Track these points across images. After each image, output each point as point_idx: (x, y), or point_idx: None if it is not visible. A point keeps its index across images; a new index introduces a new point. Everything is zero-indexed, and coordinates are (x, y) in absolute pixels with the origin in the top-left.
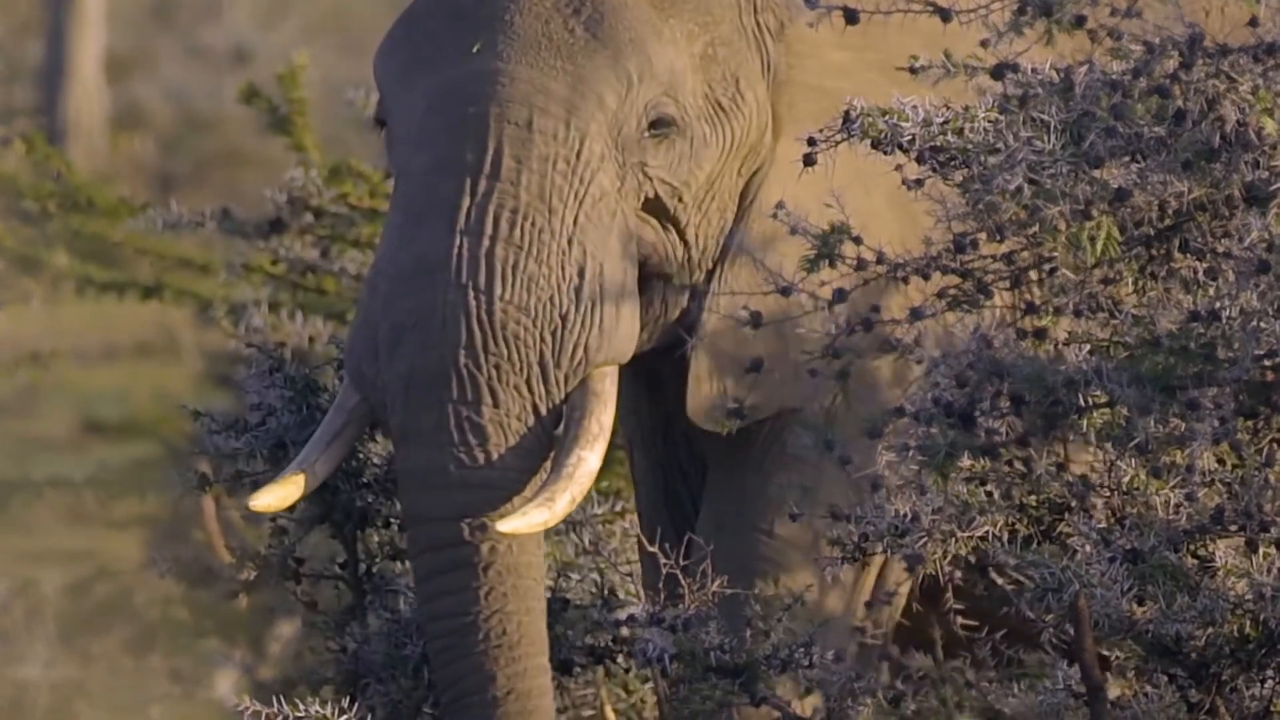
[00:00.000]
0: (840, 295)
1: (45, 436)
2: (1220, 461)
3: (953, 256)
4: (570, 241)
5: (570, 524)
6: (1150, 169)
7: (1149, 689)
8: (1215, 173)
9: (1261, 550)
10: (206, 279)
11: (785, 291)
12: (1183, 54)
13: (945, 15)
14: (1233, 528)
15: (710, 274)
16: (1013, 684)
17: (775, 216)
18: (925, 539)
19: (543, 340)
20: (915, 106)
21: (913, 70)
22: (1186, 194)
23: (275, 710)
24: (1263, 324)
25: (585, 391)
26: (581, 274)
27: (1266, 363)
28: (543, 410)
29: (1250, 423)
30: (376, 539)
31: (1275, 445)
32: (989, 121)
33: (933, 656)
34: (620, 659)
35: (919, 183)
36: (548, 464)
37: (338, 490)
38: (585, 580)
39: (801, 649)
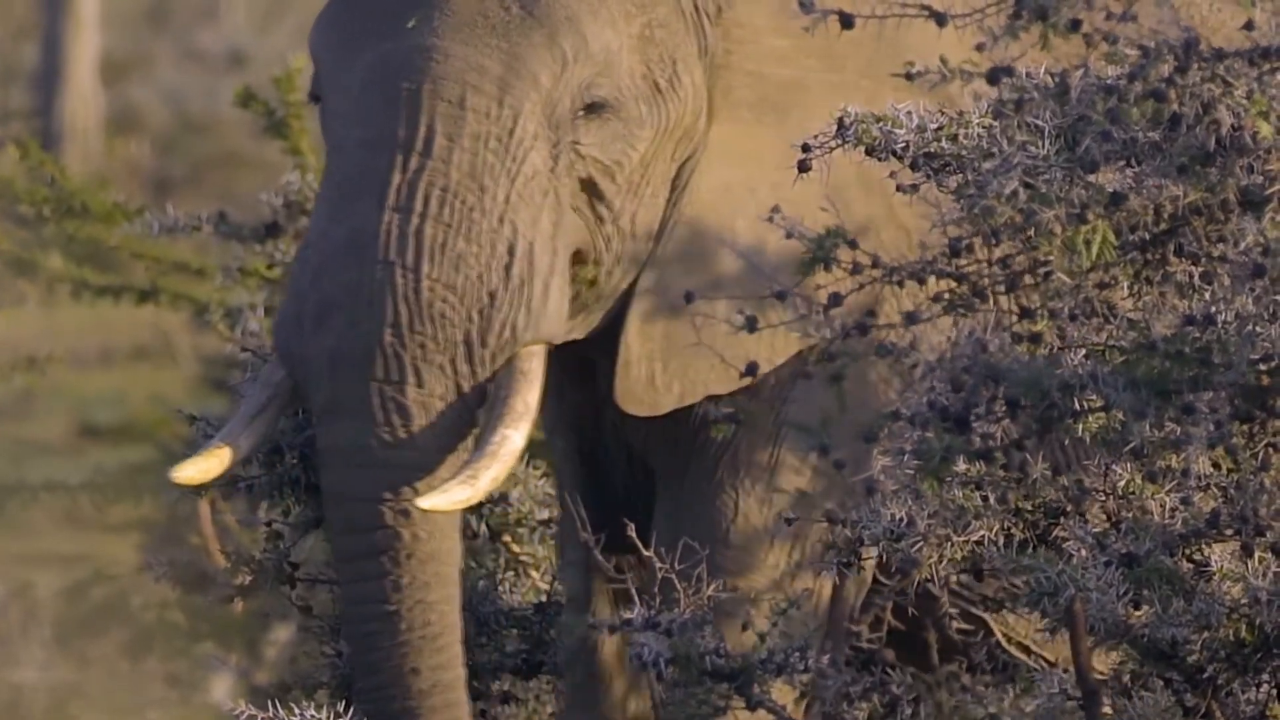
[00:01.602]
0: (836, 300)
1: (41, 440)
2: (1216, 466)
3: (948, 261)
4: (501, 220)
5: None
6: (1145, 173)
7: (1144, 693)
8: (1210, 177)
9: (1257, 554)
10: (202, 283)
11: (781, 296)
12: (1178, 58)
13: (940, 19)
14: (1228, 532)
15: (644, 259)
16: (1008, 689)
17: (771, 220)
18: (920, 543)
19: (469, 319)
20: (910, 112)
21: (908, 76)
22: (1182, 198)
23: (270, 714)
24: (1258, 328)
25: (512, 370)
26: (511, 252)
27: (1262, 367)
28: (467, 389)
29: (1246, 427)
30: None
31: (1270, 449)
32: (984, 127)
33: (928, 661)
34: None
35: (914, 188)
36: (471, 443)
37: None
38: None
39: (797, 653)
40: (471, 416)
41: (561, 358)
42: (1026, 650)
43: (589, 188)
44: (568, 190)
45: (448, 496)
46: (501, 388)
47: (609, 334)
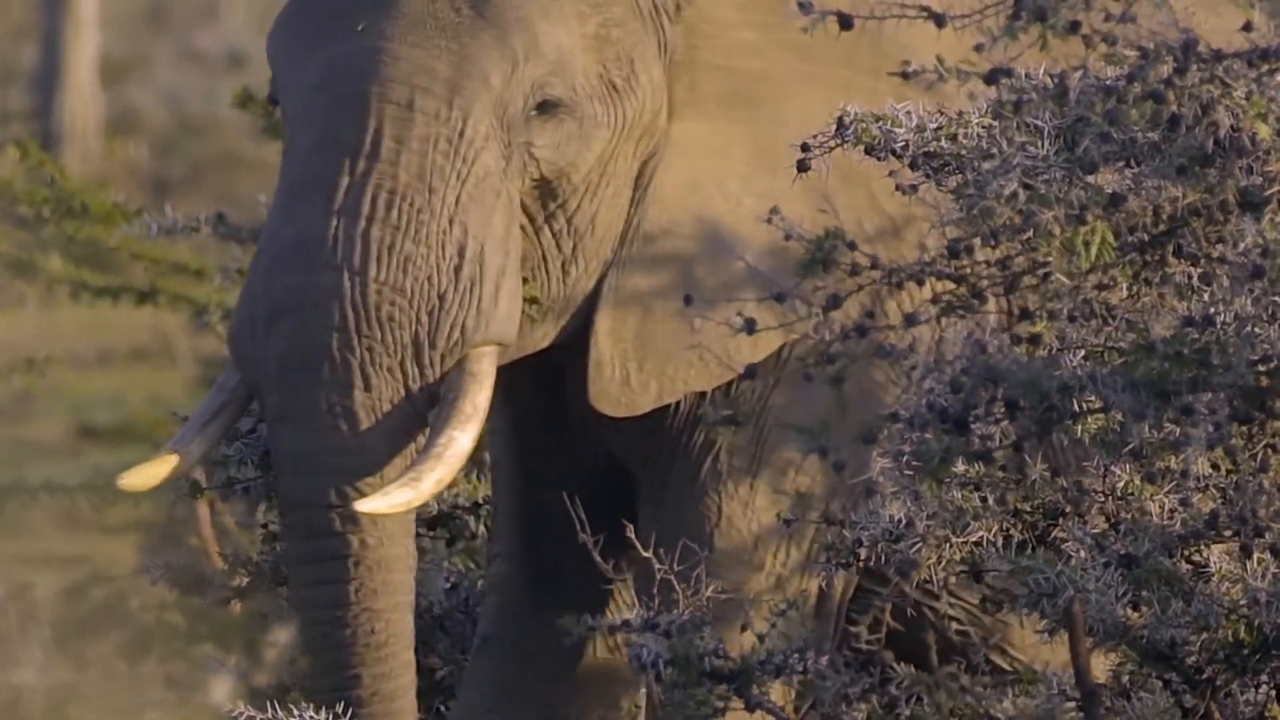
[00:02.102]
0: (835, 301)
1: (40, 441)
2: (1215, 467)
3: (947, 262)
4: (451, 221)
5: None
6: (1144, 174)
7: (1143, 694)
8: (1209, 178)
9: (1256, 555)
10: (201, 284)
11: (780, 298)
12: (1177, 59)
13: (940, 20)
14: (1227, 533)
15: (608, 260)
16: (1007, 689)
17: (770, 222)
18: (919, 545)
19: (418, 321)
20: (909, 112)
21: (905, 75)
22: (1181, 199)
23: (269, 716)
24: (1257, 329)
25: (462, 372)
26: (461, 253)
27: (1261, 368)
28: (417, 392)
29: (1245, 428)
30: None
31: (1270, 450)
32: (983, 127)
33: (926, 662)
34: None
35: (914, 188)
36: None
37: None
38: None
39: (796, 654)
40: (421, 419)
41: (521, 362)
42: (1002, 651)
43: (544, 188)
44: (521, 190)
45: (388, 499)
46: (451, 389)
47: (577, 336)
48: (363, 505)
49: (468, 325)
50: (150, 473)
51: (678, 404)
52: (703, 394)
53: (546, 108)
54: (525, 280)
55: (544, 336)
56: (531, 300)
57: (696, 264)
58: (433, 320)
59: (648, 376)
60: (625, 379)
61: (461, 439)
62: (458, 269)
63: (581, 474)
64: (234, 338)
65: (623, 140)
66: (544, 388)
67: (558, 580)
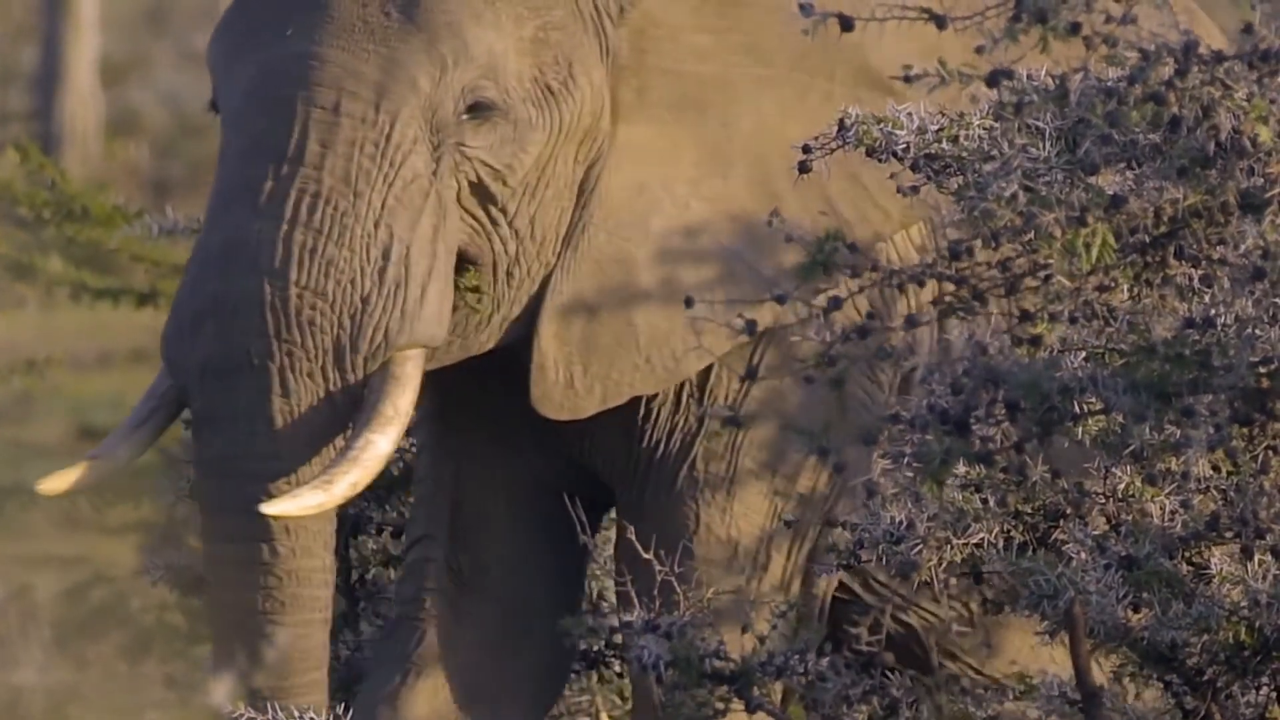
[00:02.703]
0: (835, 303)
1: (40, 442)
2: (1215, 468)
3: (948, 264)
4: (376, 224)
5: None
6: (1145, 176)
7: (1144, 696)
8: (1210, 180)
9: (1257, 557)
10: None
11: (780, 299)
12: (1178, 61)
13: (940, 22)
14: (1228, 534)
15: (551, 262)
16: (1008, 691)
17: (770, 224)
18: (920, 546)
19: (340, 325)
20: (910, 114)
21: (906, 79)
22: (1181, 201)
23: (269, 716)
24: (1258, 331)
25: (385, 375)
26: (386, 256)
27: (1261, 370)
28: (338, 396)
29: (1245, 430)
30: (370, 546)
31: (1270, 452)
32: (984, 129)
33: (927, 664)
34: (615, 664)
35: (914, 189)
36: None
37: None
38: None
39: (796, 656)
40: (342, 423)
41: (470, 366)
42: (953, 656)
43: (480, 191)
44: (453, 194)
45: (298, 502)
46: (373, 392)
47: (522, 339)
48: (271, 507)
49: (391, 328)
50: (69, 477)
51: (654, 414)
52: (678, 403)
53: (478, 111)
54: (466, 270)
55: (489, 338)
56: (473, 289)
57: (642, 267)
58: (355, 324)
59: (592, 380)
60: (569, 382)
61: (380, 442)
62: (382, 272)
63: (538, 476)
64: (164, 342)
65: (561, 143)
66: (495, 392)
67: (484, 572)
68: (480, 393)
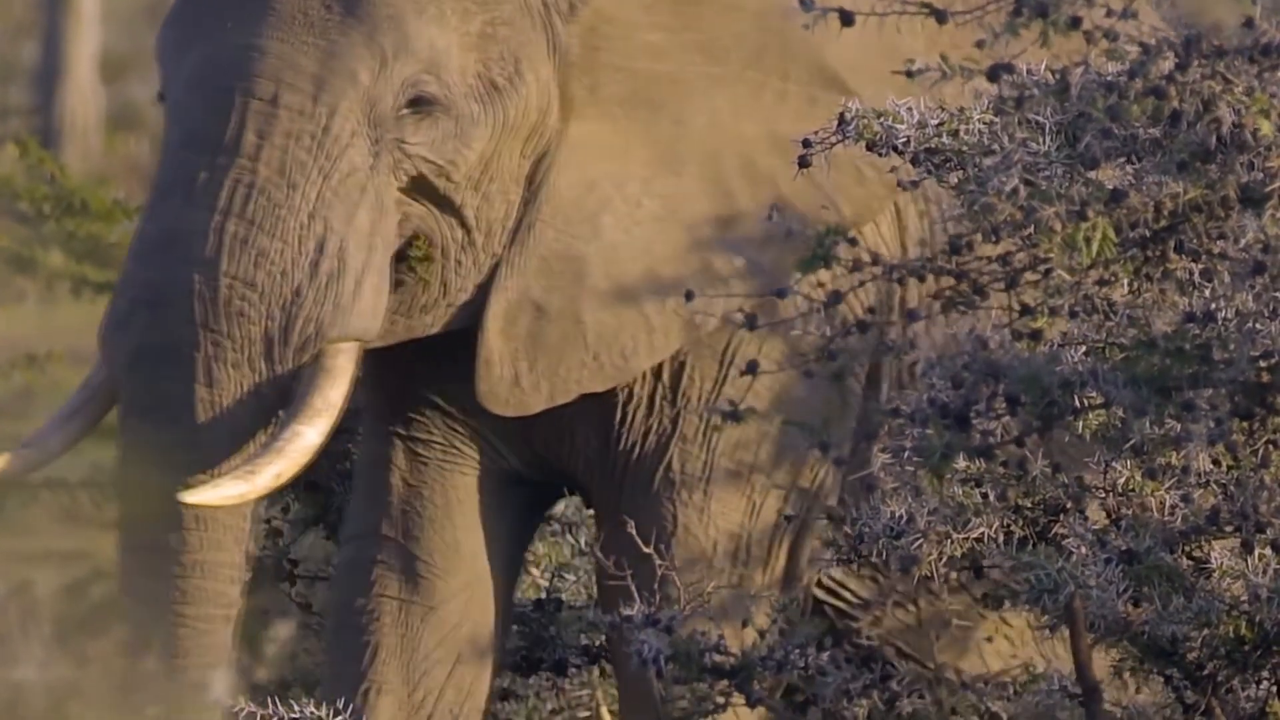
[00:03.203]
0: (836, 297)
1: None
2: (1216, 463)
3: (948, 258)
4: (311, 217)
5: (566, 525)
6: (1146, 170)
7: (1144, 690)
8: (1211, 174)
9: (1257, 551)
10: None
11: (781, 294)
12: (1178, 55)
13: (941, 17)
14: (1228, 529)
15: (496, 256)
16: (1008, 685)
17: (770, 218)
18: (920, 541)
19: (269, 316)
20: (910, 108)
21: (909, 74)
22: (1182, 195)
23: (270, 711)
24: (1258, 325)
25: (317, 367)
26: (320, 249)
27: (1262, 364)
28: (266, 388)
29: (1246, 424)
30: None
31: (1270, 446)
32: (984, 123)
33: (928, 658)
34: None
35: (915, 184)
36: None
37: (332, 492)
38: (580, 581)
39: (797, 650)
40: (269, 415)
41: (425, 352)
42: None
43: (423, 186)
44: (393, 188)
45: (218, 491)
46: (304, 383)
47: (467, 333)
48: (191, 496)
49: (324, 321)
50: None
51: (629, 417)
52: (652, 405)
53: (419, 105)
54: (417, 239)
55: (434, 321)
56: (422, 259)
57: (591, 264)
58: (286, 315)
59: (538, 377)
60: (515, 379)
61: (308, 434)
62: (315, 264)
63: (496, 462)
64: (100, 332)
65: (506, 139)
66: (452, 380)
67: (426, 571)
68: (434, 380)
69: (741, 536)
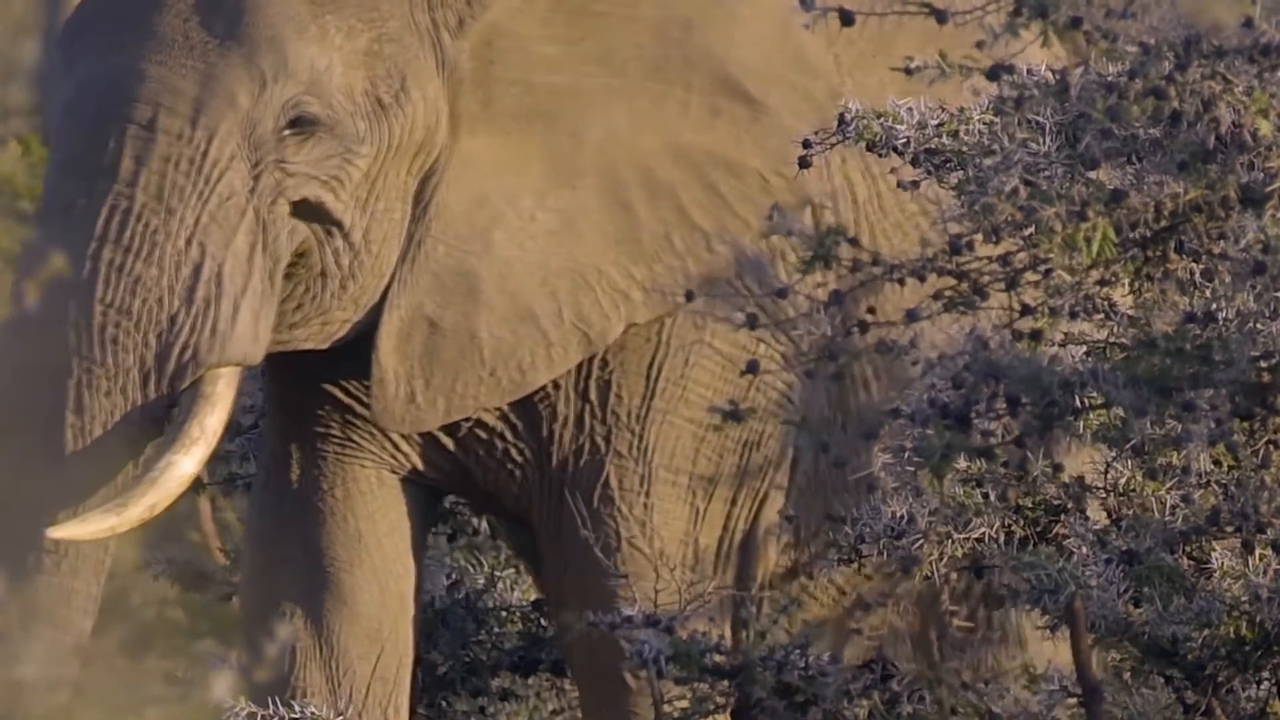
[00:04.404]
0: (837, 297)
1: None
2: (1216, 463)
3: (948, 258)
4: (189, 242)
5: None
6: (1146, 170)
7: (1145, 690)
8: (1211, 174)
9: (1258, 552)
10: None
11: (782, 293)
12: (1178, 56)
13: (941, 17)
14: (1229, 529)
15: (385, 274)
16: (1009, 685)
17: (770, 219)
18: (921, 541)
19: (144, 344)
20: (910, 109)
21: (908, 71)
22: (1182, 195)
23: (270, 712)
24: (1258, 325)
25: (195, 394)
26: (197, 274)
27: (1262, 364)
28: (139, 415)
29: (1246, 424)
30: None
31: (1271, 447)
32: (984, 124)
33: (928, 659)
34: None
35: (915, 184)
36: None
37: None
38: None
39: (797, 650)
40: (142, 444)
41: (321, 353)
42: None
43: (309, 207)
44: (279, 211)
45: (85, 526)
46: (181, 411)
47: (358, 350)
48: (57, 531)
49: (200, 347)
50: None
51: (558, 436)
52: (581, 423)
53: (300, 126)
54: (298, 258)
55: (308, 338)
56: (315, 270)
57: (484, 280)
58: (161, 343)
59: (435, 393)
60: (410, 397)
61: (183, 463)
62: (191, 290)
63: (399, 467)
64: None
65: (391, 157)
66: (355, 390)
67: (332, 566)
68: (334, 375)
69: (688, 544)
